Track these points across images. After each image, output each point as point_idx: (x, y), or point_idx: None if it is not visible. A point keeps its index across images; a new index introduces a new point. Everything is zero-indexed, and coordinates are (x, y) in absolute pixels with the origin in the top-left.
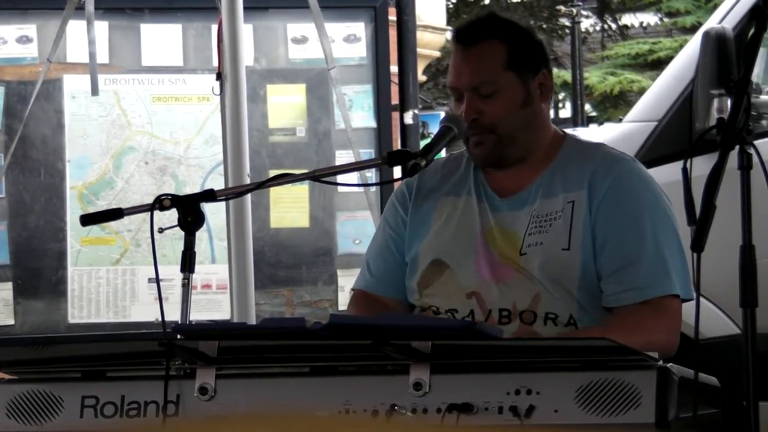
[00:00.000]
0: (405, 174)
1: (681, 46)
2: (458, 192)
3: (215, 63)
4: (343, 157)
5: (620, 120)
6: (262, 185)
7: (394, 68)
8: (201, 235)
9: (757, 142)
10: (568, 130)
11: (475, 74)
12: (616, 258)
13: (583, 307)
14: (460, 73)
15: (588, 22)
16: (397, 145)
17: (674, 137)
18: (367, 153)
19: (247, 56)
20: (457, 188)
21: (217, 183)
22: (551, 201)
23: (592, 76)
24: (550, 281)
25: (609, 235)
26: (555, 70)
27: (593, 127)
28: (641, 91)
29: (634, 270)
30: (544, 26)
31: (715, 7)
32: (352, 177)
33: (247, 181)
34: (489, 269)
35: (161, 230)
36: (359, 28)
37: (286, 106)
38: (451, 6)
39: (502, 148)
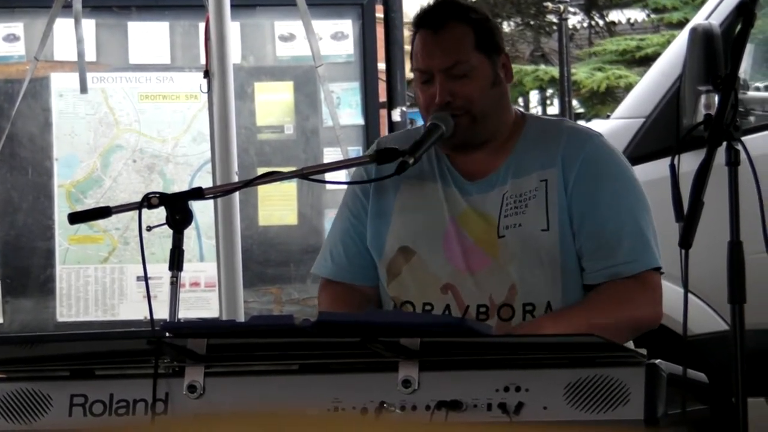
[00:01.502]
0: (396, 172)
1: (668, 43)
2: (421, 178)
3: (203, 61)
4: (331, 154)
5: (608, 116)
6: (250, 183)
7: (381, 65)
8: (189, 233)
9: (744, 138)
10: None
11: (448, 55)
12: (596, 235)
13: (567, 289)
14: (433, 55)
15: (575, 19)
16: None
17: (662, 133)
18: (355, 150)
19: (235, 54)
20: (420, 175)
21: (205, 181)
22: (523, 180)
23: (580, 72)
24: (532, 264)
25: (587, 214)
26: (543, 67)
27: (581, 123)
28: (629, 87)
29: (616, 246)
30: (532, 23)
31: (702, 3)
32: (341, 174)
33: (235, 179)
34: (462, 257)
35: (149, 228)
36: (347, 26)
37: (273, 104)
38: None
39: (475, 128)
